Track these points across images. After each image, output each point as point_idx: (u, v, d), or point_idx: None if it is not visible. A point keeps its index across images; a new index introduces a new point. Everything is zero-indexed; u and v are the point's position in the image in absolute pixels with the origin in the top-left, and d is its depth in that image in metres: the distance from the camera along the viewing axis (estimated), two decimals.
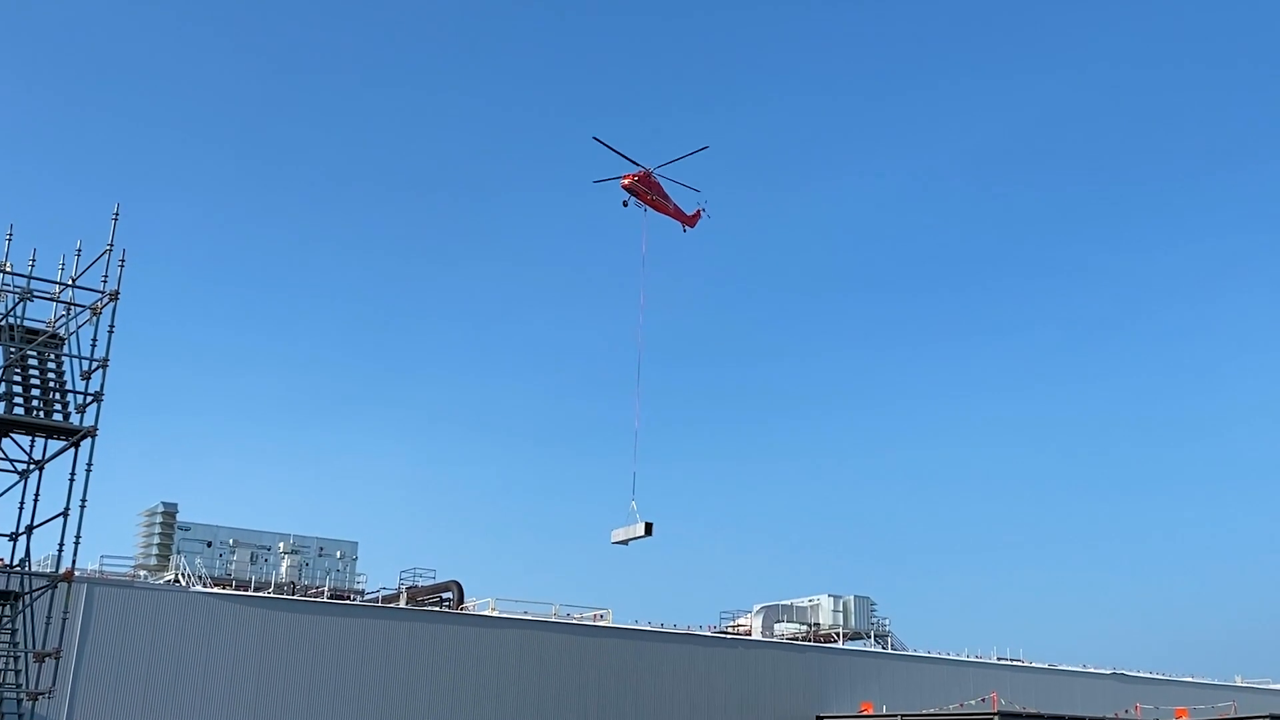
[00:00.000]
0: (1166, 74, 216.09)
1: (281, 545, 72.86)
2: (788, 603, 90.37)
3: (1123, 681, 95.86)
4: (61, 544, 34.90)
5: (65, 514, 34.96)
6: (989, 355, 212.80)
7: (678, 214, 71.43)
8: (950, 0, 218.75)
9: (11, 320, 36.45)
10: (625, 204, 68.59)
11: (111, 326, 36.25)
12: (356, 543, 75.47)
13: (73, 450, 35.74)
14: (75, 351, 36.93)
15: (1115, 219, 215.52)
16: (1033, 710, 75.41)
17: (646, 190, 68.61)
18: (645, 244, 69.69)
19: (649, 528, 63.64)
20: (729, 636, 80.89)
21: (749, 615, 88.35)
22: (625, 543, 65.06)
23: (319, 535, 74.59)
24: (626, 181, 67.85)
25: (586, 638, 71.18)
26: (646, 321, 70.33)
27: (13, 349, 35.99)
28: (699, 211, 72.65)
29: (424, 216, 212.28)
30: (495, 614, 69.80)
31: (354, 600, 70.92)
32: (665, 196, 70.06)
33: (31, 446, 36.98)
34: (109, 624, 56.19)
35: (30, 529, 36.49)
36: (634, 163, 67.88)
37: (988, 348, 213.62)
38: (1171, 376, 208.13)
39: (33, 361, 36.79)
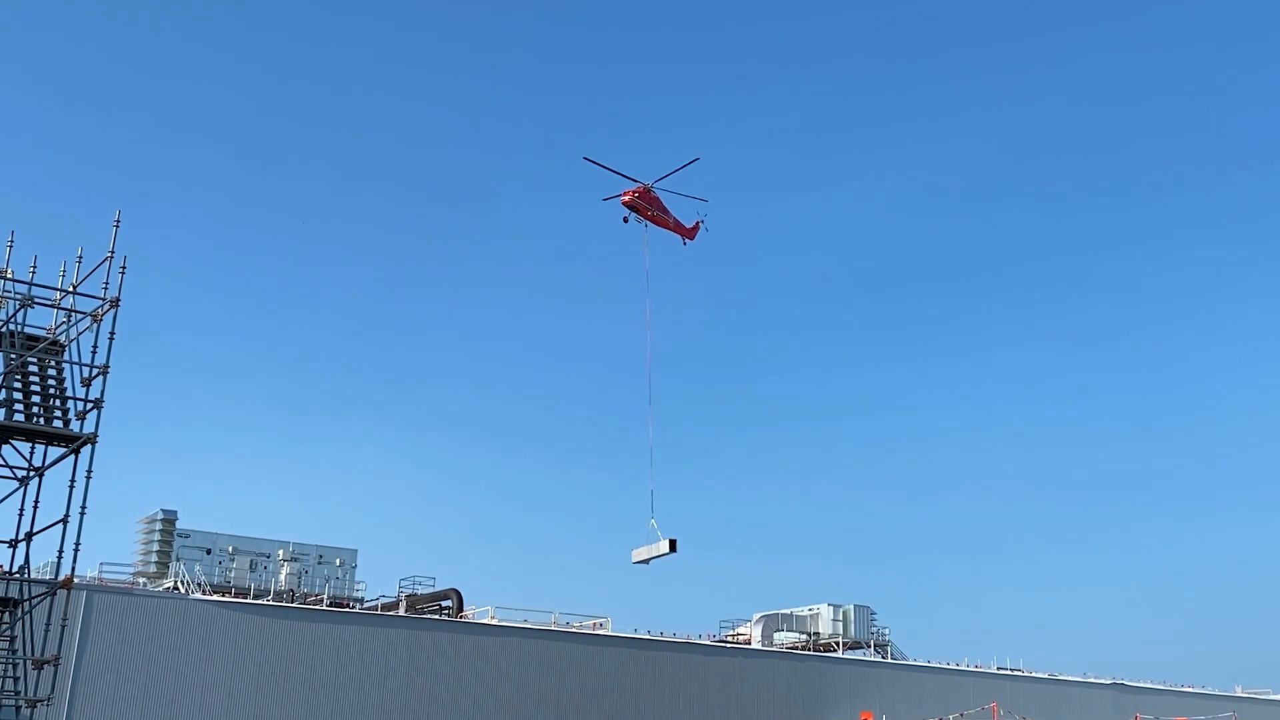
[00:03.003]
0: (1161, 87, 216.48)
1: (281, 553, 72.83)
2: (787, 612, 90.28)
3: (1122, 691, 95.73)
4: (61, 551, 34.87)
5: (65, 521, 34.92)
6: (989, 365, 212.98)
7: (678, 227, 71.51)
8: (950, 12, 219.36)
9: (12, 327, 36.40)
10: (626, 220, 68.46)
11: (112, 333, 36.19)
12: (356, 550, 75.64)
13: (73, 457, 35.70)
14: (76, 358, 36.89)
15: (1113, 229, 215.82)
16: None
17: (647, 206, 68.55)
18: (648, 258, 69.66)
19: (673, 544, 60.31)
20: (728, 645, 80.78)
21: (749, 624, 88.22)
22: (647, 562, 61.91)
23: (318, 543, 74.63)
24: (627, 198, 67.73)
25: (586, 646, 71.15)
26: (649, 332, 70.22)
27: (13, 355, 35.97)
28: (698, 224, 72.77)
29: (426, 226, 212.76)
30: (495, 622, 69.75)
31: (353, 608, 70.86)
32: (665, 211, 70.07)
33: (31, 453, 36.97)
34: (108, 631, 56.20)
35: (30, 536, 36.44)
36: (630, 179, 67.86)
37: (987, 357, 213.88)
38: (1170, 385, 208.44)
39: (33, 368, 36.76)
